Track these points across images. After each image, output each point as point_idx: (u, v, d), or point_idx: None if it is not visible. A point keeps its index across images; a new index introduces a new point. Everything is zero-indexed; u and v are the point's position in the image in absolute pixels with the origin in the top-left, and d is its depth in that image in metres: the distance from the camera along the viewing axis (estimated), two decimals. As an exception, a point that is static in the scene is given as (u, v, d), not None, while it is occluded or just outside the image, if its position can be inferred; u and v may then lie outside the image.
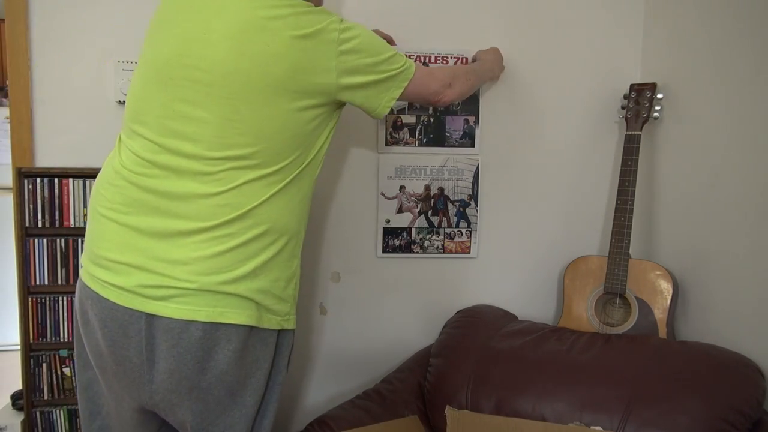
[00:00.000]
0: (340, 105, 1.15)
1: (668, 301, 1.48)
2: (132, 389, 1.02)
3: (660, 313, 1.48)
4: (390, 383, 1.55)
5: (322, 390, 1.74)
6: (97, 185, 1.07)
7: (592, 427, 1.23)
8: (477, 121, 1.70)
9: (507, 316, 1.66)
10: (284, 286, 1.08)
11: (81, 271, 1.06)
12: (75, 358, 1.12)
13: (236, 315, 0.98)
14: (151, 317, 0.95)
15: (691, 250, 1.52)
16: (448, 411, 1.36)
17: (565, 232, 1.78)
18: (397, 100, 1.18)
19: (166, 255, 0.96)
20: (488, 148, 1.72)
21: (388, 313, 1.74)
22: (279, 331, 1.09)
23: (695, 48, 1.52)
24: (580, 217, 1.78)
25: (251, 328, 1.01)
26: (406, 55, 1.22)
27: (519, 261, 1.77)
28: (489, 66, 1.54)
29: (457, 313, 1.68)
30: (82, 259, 1.06)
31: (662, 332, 1.47)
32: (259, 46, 0.98)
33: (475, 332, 1.51)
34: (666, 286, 1.49)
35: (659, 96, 1.58)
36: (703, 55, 1.49)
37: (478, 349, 1.44)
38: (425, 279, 1.74)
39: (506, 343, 1.45)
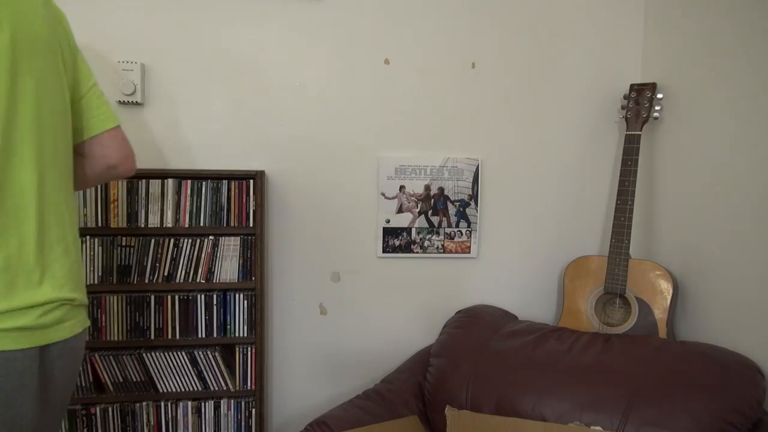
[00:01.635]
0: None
1: (668, 301, 1.48)
2: (31, 419, 0.92)
3: (660, 313, 1.48)
4: (390, 383, 1.55)
5: (322, 390, 1.74)
6: None
7: (592, 427, 1.23)
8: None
9: (507, 316, 1.66)
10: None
11: None
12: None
13: (85, 316, 0.99)
14: (44, 350, 0.91)
15: (691, 250, 1.52)
16: (448, 411, 1.36)
17: (565, 232, 1.78)
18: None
19: (30, 284, 0.89)
20: (488, 148, 1.72)
21: (388, 313, 1.74)
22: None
23: (695, 48, 1.52)
24: (580, 217, 1.78)
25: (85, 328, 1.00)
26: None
27: (519, 261, 1.77)
28: None
29: (457, 313, 1.68)
30: None
31: (662, 332, 1.47)
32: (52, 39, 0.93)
33: (475, 332, 1.51)
34: (666, 286, 1.49)
35: (659, 96, 1.58)
36: (703, 55, 1.49)
37: (478, 349, 1.44)
38: (425, 279, 1.74)
39: (506, 343, 1.45)
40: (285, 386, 1.73)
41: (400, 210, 1.70)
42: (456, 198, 1.72)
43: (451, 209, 1.72)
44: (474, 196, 1.72)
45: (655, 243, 1.67)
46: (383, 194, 1.69)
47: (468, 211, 1.73)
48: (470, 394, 1.37)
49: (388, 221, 1.69)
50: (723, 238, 1.41)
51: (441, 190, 1.71)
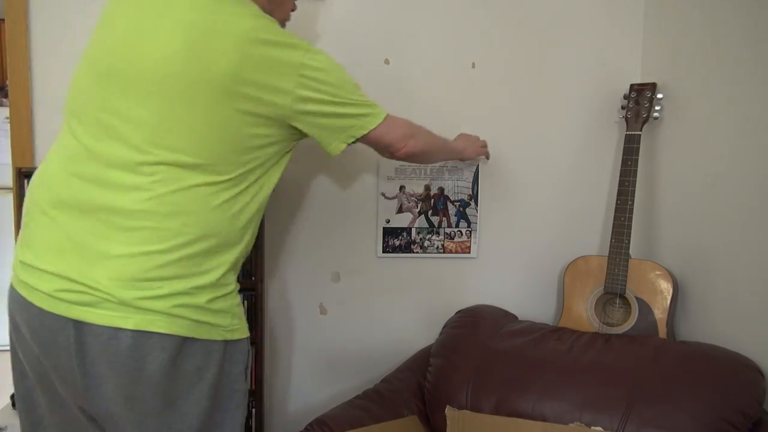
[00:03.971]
0: (296, 135, 1.09)
1: (668, 301, 1.48)
2: (74, 397, 0.97)
3: (660, 313, 1.48)
4: (390, 383, 1.55)
5: (322, 390, 1.74)
6: (34, 179, 1.02)
7: (592, 428, 1.23)
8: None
9: (507, 316, 1.66)
10: (217, 302, 1.00)
11: (12, 274, 1.01)
12: (11, 365, 1.06)
13: (167, 325, 0.93)
14: (78, 324, 0.91)
15: (691, 250, 1.52)
16: (448, 411, 1.36)
17: (565, 232, 1.78)
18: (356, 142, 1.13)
19: (90, 261, 0.92)
20: (490, 148, 1.72)
21: (388, 313, 1.74)
22: (227, 341, 1.03)
23: (695, 48, 1.52)
24: (580, 217, 1.78)
25: (186, 337, 0.95)
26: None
27: (519, 261, 1.77)
28: (459, 145, 1.51)
29: (457, 313, 1.68)
30: (13, 262, 1.02)
31: (662, 332, 1.47)
32: (209, 46, 0.94)
33: (475, 332, 1.51)
34: (666, 286, 1.49)
35: (659, 96, 1.58)
36: (703, 55, 1.49)
37: (478, 349, 1.44)
38: (425, 279, 1.74)
39: (506, 343, 1.45)
40: (285, 386, 1.73)
41: (400, 210, 1.70)
42: (456, 198, 1.72)
43: (451, 209, 1.72)
44: (474, 196, 1.72)
45: (655, 243, 1.67)
46: (383, 194, 1.69)
47: (468, 211, 1.73)
48: (470, 394, 1.37)
49: (388, 221, 1.69)
50: (723, 238, 1.41)
51: (441, 190, 1.71)
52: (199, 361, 0.98)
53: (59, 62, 1.50)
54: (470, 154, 1.54)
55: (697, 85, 1.51)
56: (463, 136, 1.57)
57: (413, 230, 1.71)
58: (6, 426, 1.70)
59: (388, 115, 1.15)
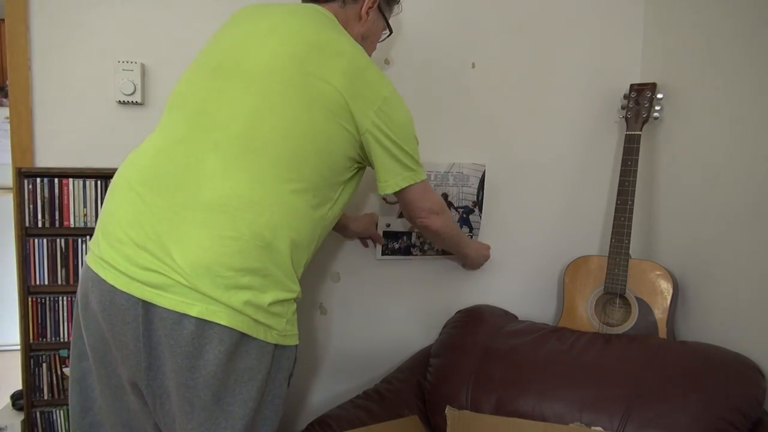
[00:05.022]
0: (364, 162, 1.18)
1: (668, 301, 1.48)
2: (132, 375, 1.00)
3: (660, 313, 1.48)
4: (390, 383, 1.55)
5: (323, 390, 1.74)
6: (126, 161, 1.08)
7: (592, 428, 1.23)
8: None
9: (507, 316, 1.66)
10: (277, 306, 1.02)
11: (88, 253, 1.05)
12: (71, 347, 1.10)
13: (229, 318, 0.95)
14: (147, 304, 0.94)
15: (691, 250, 1.52)
16: (448, 411, 1.36)
17: (565, 232, 1.78)
18: (393, 194, 1.20)
19: (170, 239, 0.95)
20: (488, 149, 1.72)
21: (388, 313, 1.74)
22: (277, 345, 1.04)
23: (695, 48, 1.52)
24: (580, 217, 1.78)
25: (244, 334, 0.98)
26: None
27: (519, 261, 1.77)
28: (469, 251, 1.61)
29: (457, 313, 1.69)
30: (91, 240, 1.06)
31: (662, 332, 1.47)
32: (312, 59, 1.04)
33: (475, 332, 1.51)
34: (666, 286, 1.49)
35: (659, 96, 1.58)
36: (703, 55, 1.49)
37: (478, 349, 1.44)
38: (425, 279, 1.74)
39: (506, 343, 1.45)
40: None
41: (401, 215, 1.69)
42: (460, 204, 1.70)
43: (454, 216, 1.70)
44: (479, 203, 1.71)
45: (655, 243, 1.67)
46: (385, 199, 1.68)
47: (471, 217, 1.71)
48: (470, 394, 1.37)
49: (388, 225, 1.68)
50: (723, 238, 1.41)
51: (445, 196, 1.69)
52: (253, 361, 1.00)
53: (59, 62, 1.50)
54: (471, 265, 1.71)
55: (697, 85, 1.51)
56: (476, 245, 1.66)
57: (413, 234, 1.70)
58: (6, 426, 1.70)
59: (425, 180, 1.23)
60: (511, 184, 1.74)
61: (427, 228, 1.29)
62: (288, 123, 1.02)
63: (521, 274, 1.78)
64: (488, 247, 1.70)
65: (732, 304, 1.37)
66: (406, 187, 1.19)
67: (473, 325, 1.55)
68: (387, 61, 1.66)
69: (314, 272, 1.70)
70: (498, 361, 1.39)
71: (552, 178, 1.76)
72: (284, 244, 1.02)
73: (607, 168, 1.77)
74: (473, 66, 1.69)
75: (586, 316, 1.58)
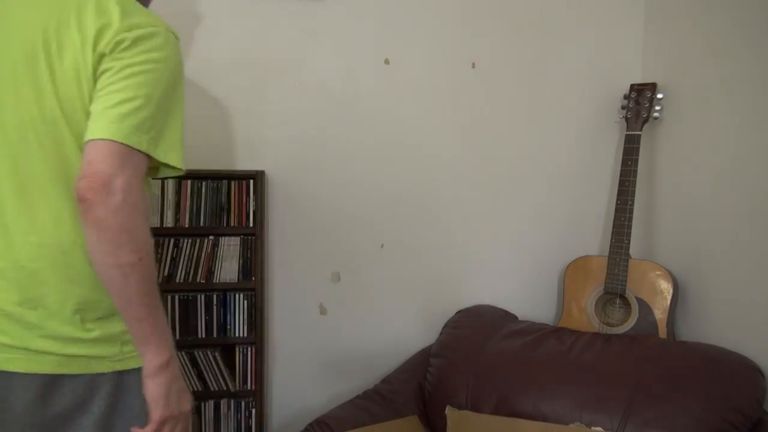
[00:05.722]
0: None
1: (668, 301, 1.48)
2: None
3: (660, 313, 1.48)
4: (390, 383, 1.55)
5: (322, 390, 1.74)
6: None
7: (592, 428, 1.23)
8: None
9: (507, 316, 1.66)
10: (90, 329, 0.83)
11: None
12: None
13: (25, 363, 0.80)
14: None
15: (691, 250, 1.52)
16: (449, 411, 1.36)
17: (565, 232, 1.78)
18: None
19: None
20: (488, 149, 1.72)
21: (388, 313, 1.74)
22: (120, 371, 0.85)
23: (695, 48, 1.52)
24: (580, 217, 1.78)
25: (56, 375, 0.81)
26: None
27: (519, 261, 1.77)
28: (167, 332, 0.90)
29: (457, 313, 1.68)
30: None
31: (662, 332, 1.47)
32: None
33: (475, 332, 1.51)
34: (666, 286, 1.49)
35: (659, 96, 1.58)
36: (703, 55, 1.49)
37: (478, 349, 1.44)
38: (425, 279, 1.74)
39: (506, 343, 1.45)
40: (285, 386, 1.73)
41: (400, 210, 1.69)
42: (456, 198, 1.71)
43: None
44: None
45: (655, 243, 1.67)
46: (383, 194, 1.69)
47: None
48: (470, 394, 1.37)
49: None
50: (723, 238, 1.41)
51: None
52: (78, 396, 0.84)
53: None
54: (165, 380, 0.86)
55: (697, 85, 1.51)
56: (173, 378, 0.87)
57: (413, 230, 1.70)
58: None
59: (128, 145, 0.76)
60: (511, 183, 1.74)
61: (96, 213, 0.75)
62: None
63: (521, 274, 1.78)
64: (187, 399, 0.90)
65: (732, 304, 1.37)
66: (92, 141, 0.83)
67: (473, 326, 1.55)
68: (387, 61, 1.66)
69: (314, 272, 1.70)
70: (498, 362, 1.39)
71: (552, 178, 1.76)
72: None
73: (607, 168, 1.77)
74: (473, 66, 1.69)
75: (586, 316, 1.58)
